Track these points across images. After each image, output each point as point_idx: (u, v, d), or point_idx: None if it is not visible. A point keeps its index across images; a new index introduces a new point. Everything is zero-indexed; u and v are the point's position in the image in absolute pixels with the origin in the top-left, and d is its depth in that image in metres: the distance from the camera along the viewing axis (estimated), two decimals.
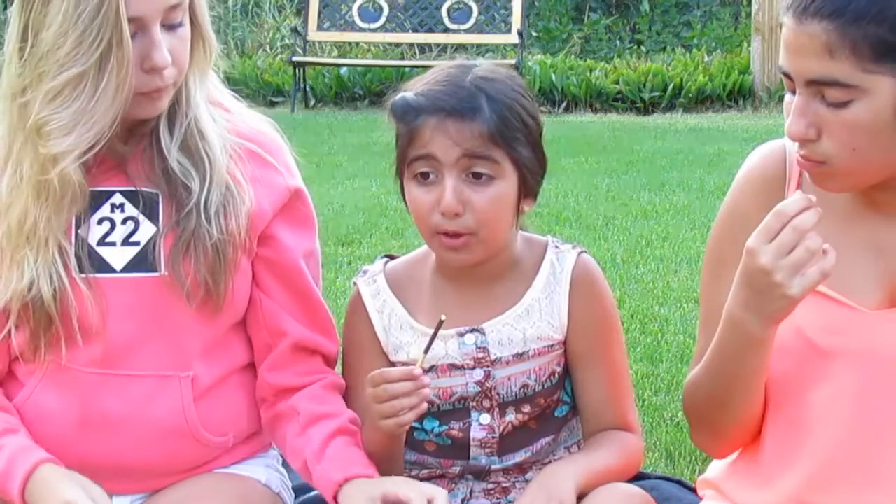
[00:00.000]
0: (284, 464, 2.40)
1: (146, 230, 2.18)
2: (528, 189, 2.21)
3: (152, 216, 2.18)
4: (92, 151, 2.08)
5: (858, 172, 1.93)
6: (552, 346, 2.26)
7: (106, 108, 2.04)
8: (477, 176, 2.15)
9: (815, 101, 1.89)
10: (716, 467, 2.22)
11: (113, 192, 2.18)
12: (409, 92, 2.20)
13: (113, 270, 2.17)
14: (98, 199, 2.17)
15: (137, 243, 2.17)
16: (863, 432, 1.99)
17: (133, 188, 2.18)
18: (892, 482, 1.98)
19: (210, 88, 2.22)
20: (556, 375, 2.27)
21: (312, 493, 2.36)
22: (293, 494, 2.40)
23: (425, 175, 2.17)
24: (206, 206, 2.15)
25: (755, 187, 2.08)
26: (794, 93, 1.93)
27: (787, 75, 1.92)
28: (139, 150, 2.19)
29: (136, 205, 2.18)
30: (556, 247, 2.29)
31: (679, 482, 2.49)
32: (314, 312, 2.28)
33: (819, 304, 2.00)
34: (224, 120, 2.23)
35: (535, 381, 2.26)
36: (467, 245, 2.18)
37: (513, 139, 2.16)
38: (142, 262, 2.17)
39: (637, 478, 2.34)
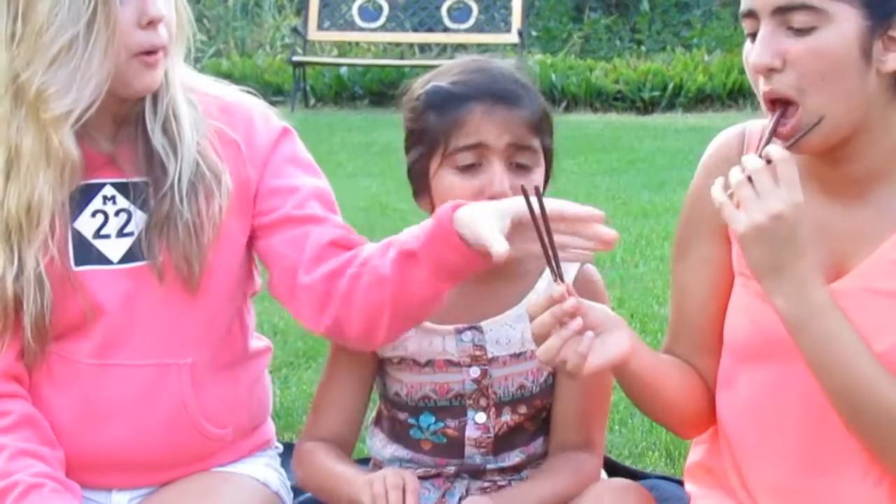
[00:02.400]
0: (283, 463, 2.41)
1: (139, 220, 2.20)
2: (546, 182, 2.24)
3: (144, 206, 2.20)
4: (90, 110, 2.10)
5: (825, 113, 1.88)
6: None
7: (100, 62, 2.08)
8: (519, 166, 2.17)
9: (781, 31, 1.90)
10: (697, 455, 2.20)
11: (104, 185, 2.21)
12: (441, 82, 2.20)
13: (110, 262, 2.20)
14: (89, 192, 2.20)
15: (131, 234, 2.20)
16: (815, 417, 1.95)
17: (123, 180, 2.21)
18: (838, 466, 1.96)
19: (185, 74, 2.25)
20: (553, 378, 2.27)
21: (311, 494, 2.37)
22: (292, 494, 2.40)
23: (470, 165, 2.16)
24: (178, 186, 2.18)
25: (714, 168, 2.10)
26: (753, 38, 1.93)
27: (749, 14, 1.93)
28: (126, 137, 2.21)
29: (126, 196, 2.21)
30: None
31: (679, 482, 2.49)
32: (340, 225, 2.23)
33: (757, 289, 1.96)
34: (199, 102, 2.25)
35: (533, 382, 2.26)
36: None
37: (546, 129, 2.21)
38: (136, 252, 2.20)
39: (638, 477, 2.35)
